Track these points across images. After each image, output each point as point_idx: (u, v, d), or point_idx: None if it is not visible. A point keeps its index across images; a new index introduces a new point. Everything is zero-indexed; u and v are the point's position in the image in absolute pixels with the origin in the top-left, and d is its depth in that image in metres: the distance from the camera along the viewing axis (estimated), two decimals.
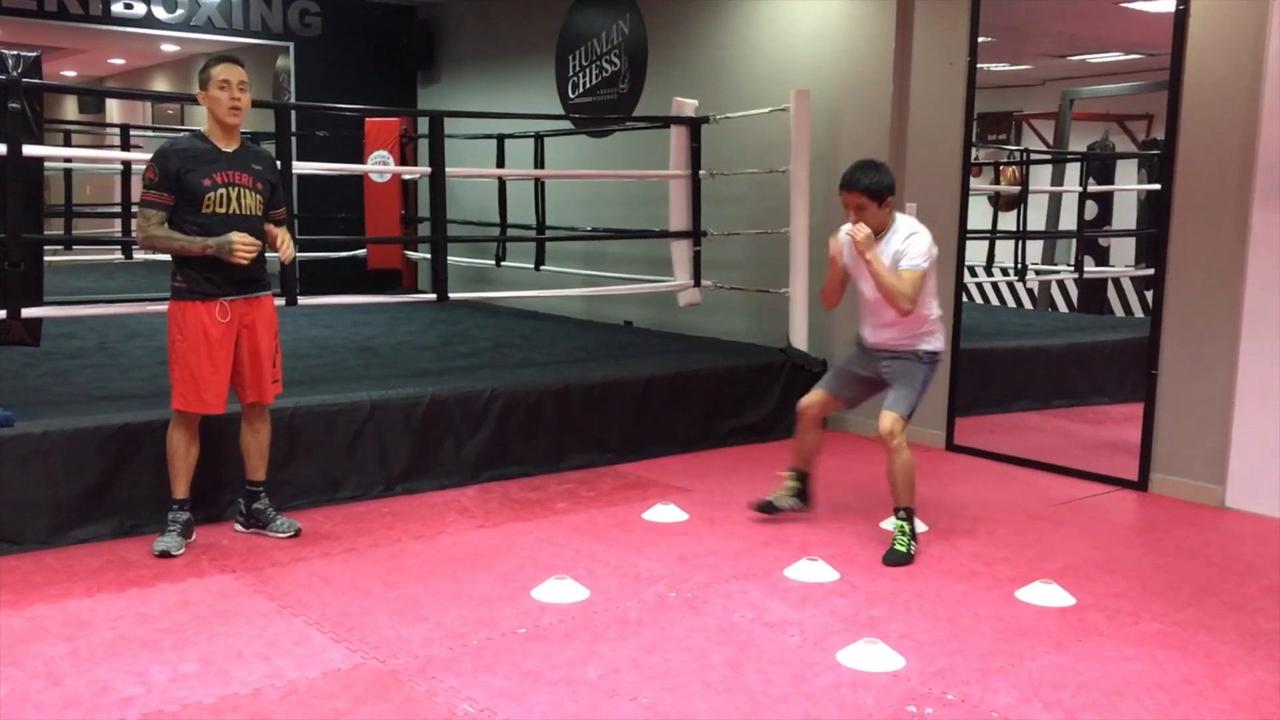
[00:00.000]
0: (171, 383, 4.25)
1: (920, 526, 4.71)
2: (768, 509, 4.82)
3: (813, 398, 4.72)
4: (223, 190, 4.15)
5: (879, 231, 4.42)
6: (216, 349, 4.20)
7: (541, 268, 8.10)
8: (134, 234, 4.20)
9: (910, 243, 4.37)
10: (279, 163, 4.70)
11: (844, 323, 6.68)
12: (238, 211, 4.19)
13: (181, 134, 4.42)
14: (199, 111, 14.96)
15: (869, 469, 5.77)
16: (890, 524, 4.47)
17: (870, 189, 4.34)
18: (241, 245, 4.09)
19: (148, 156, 4.27)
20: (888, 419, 4.38)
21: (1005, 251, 7.21)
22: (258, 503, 4.50)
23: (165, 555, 4.19)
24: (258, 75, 12.37)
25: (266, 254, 4.36)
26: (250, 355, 4.32)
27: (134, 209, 9.26)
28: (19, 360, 5.68)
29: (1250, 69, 4.93)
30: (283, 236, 4.39)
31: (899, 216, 4.48)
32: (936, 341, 4.52)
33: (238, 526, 4.54)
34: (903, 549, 4.34)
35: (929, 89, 6.27)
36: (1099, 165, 7.08)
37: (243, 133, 4.33)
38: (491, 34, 9.71)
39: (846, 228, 4.48)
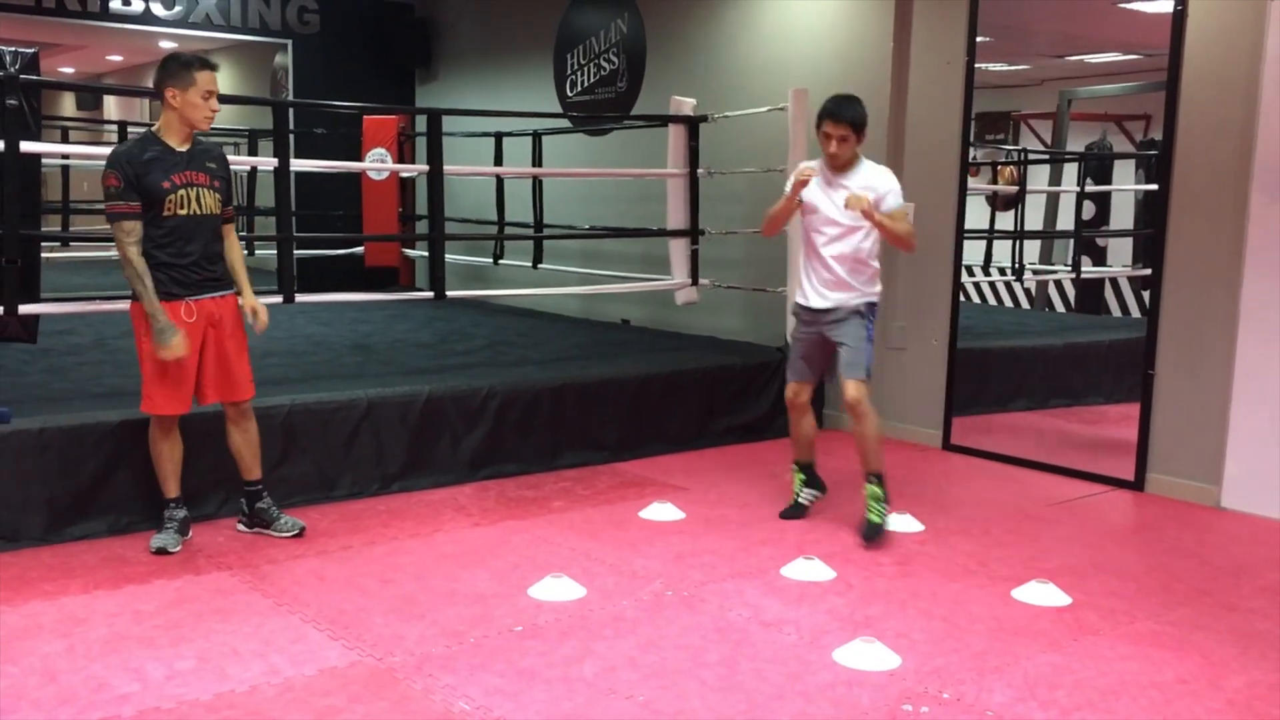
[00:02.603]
0: (142, 384, 4.21)
1: (916, 525, 4.72)
2: (797, 512, 4.83)
3: (795, 388, 4.76)
4: (182, 191, 4.10)
5: (847, 166, 4.52)
6: None
7: (539, 266, 8.10)
8: (116, 248, 4.10)
9: (882, 180, 4.50)
10: (278, 160, 4.64)
11: None
12: (198, 212, 4.14)
13: (132, 138, 4.34)
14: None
15: None
16: (867, 492, 4.55)
17: (855, 121, 4.46)
18: (174, 348, 4.04)
19: None
20: (851, 387, 4.47)
21: (1003, 251, 7.21)
22: (260, 502, 4.49)
23: (162, 552, 4.19)
24: (255, 72, 12.38)
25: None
26: (218, 355, 4.26)
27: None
28: (16, 357, 5.68)
29: (1248, 69, 4.94)
30: (258, 309, 4.39)
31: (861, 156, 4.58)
32: (877, 291, 4.63)
33: (240, 526, 4.53)
34: (877, 519, 4.45)
35: (927, 88, 6.27)
36: (1097, 165, 7.08)
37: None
38: (490, 32, 9.70)
39: (810, 164, 4.53)
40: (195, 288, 4.18)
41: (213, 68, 4.17)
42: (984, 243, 7.08)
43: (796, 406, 4.78)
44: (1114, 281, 7.12)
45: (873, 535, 4.46)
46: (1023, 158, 7.36)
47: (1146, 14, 5.85)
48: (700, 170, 6.89)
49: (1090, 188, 7.06)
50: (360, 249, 9.27)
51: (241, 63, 12.84)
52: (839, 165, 4.51)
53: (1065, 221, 7.19)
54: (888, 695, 3.13)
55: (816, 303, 4.60)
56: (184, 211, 4.11)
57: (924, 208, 6.32)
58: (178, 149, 4.14)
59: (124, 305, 6.08)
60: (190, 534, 4.38)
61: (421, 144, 9.02)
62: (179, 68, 4.11)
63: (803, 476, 4.89)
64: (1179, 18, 5.14)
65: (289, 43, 10.12)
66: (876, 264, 4.62)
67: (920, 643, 3.50)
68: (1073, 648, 3.50)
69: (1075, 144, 7.12)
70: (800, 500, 4.87)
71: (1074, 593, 3.94)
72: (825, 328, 4.60)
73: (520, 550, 4.36)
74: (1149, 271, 5.43)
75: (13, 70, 4.55)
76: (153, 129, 4.18)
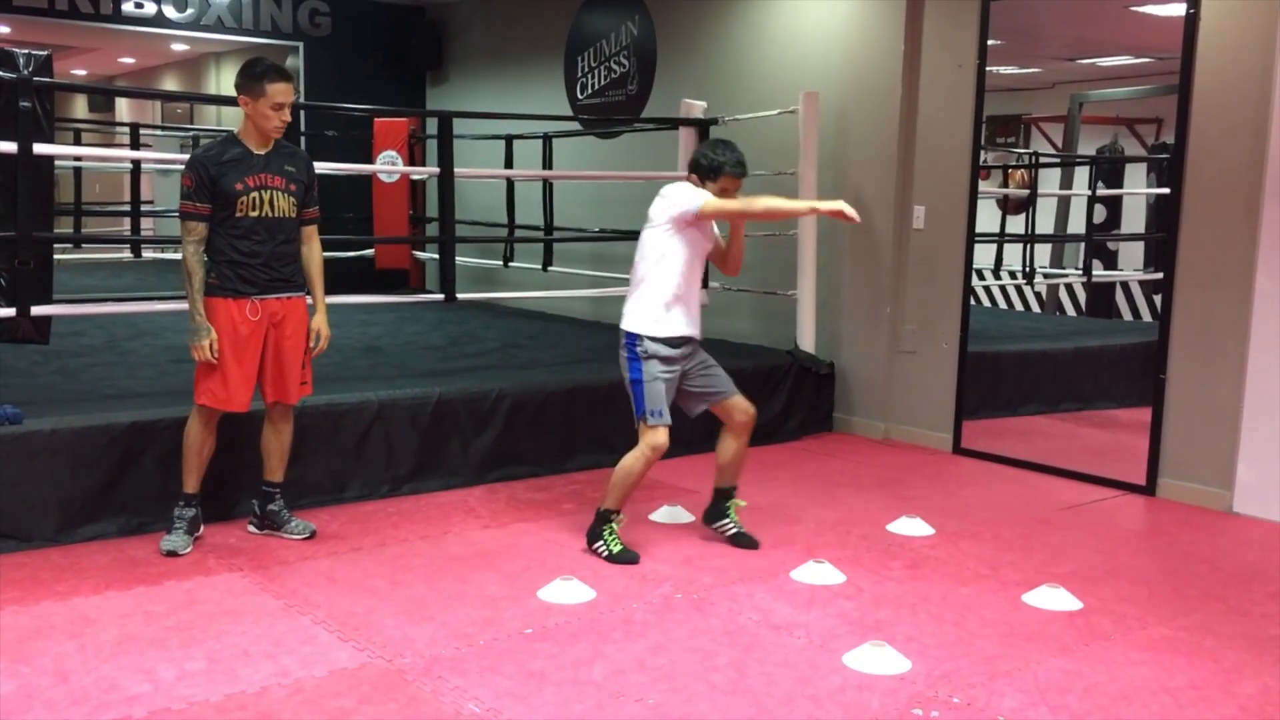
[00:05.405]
0: (196, 378, 4.26)
1: (927, 529, 4.71)
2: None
3: (667, 433, 4.40)
4: (255, 194, 4.17)
5: None
6: (243, 347, 4.22)
7: (549, 268, 8.11)
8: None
9: None
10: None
11: (852, 324, 6.68)
12: (269, 214, 4.21)
13: (215, 139, 4.42)
14: (208, 110, 14.89)
15: (875, 471, 5.78)
16: (733, 509, 4.59)
17: None
18: (205, 347, 4.11)
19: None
20: (748, 403, 4.48)
21: (1013, 255, 7.21)
22: (273, 504, 4.50)
23: (172, 555, 4.20)
24: None
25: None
26: (275, 354, 4.32)
27: (143, 206, 9.32)
28: (28, 358, 5.70)
29: (1260, 73, 4.92)
30: (323, 333, 4.42)
31: None
32: None
33: (251, 528, 4.53)
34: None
35: (938, 91, 6.26)
36: (1108, 169, 7.07)
37: None
38: (500, 35, 9.72)
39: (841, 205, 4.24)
40: (262, 287, 4.23)
41: (286, 79, 4.21)
42: (995, 246, 7.07)
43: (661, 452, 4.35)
44: (1125, 285, 7.11)
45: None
46: (1034, 161, 7.36)
47: (1158, 17, 5.84)
48: None
49: (1102, 191, 7.05)
50: (371, 251, 9.29)
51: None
52: None
53: (1076, 225, 7.18)
54: (898, 699, 3.12)
55: (696, 331, 4.41)
56: (255, 213, 4.17)
57: (935, 211, 6.32)
58: (256, 152, 4.21)
59: (134, 308, 6.13)
60: (201, 531, 4.39)
61: (432, 146, 9.04)
62: (251, 78, 4.17)
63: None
64: (1191, 21, 5.13)
65: (300, 45, 10.14)
66: None
67: (930, 647, 3.49)
68: (1084, 653, 3.49)
69: (1086, 147, 7.11)
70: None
71: (1085, 597, 3.93)
72: (690, 357, 4.41)
73: (530, 553, 4.37)
74: (1160, 275, 5.41)
75: (26, 72, 4.58)
76: (235, 131, 4.26)
